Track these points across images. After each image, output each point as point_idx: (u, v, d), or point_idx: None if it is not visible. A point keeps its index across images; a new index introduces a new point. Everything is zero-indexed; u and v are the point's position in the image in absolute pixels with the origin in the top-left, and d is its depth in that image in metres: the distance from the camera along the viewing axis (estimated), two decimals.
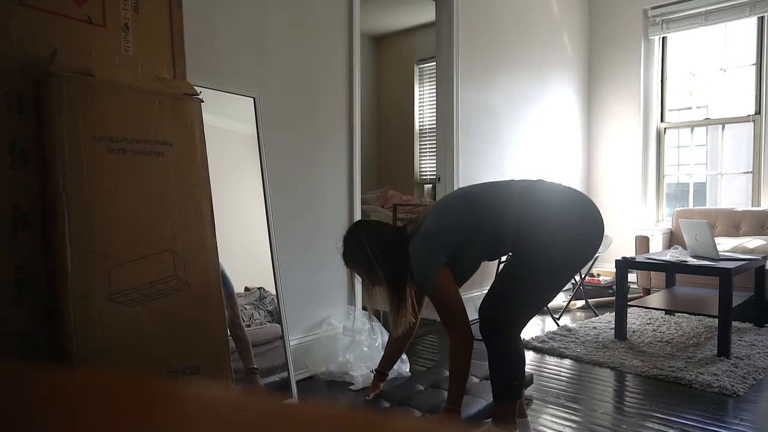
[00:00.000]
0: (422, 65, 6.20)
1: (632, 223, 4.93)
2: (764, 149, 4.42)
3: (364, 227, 2.01)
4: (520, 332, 1.90)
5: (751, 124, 4.51)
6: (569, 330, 3.45)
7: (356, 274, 2.01)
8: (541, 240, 1.82)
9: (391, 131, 6.51)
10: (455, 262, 1.89)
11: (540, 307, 2.06)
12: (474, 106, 3.97)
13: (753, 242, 3.82)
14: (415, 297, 2.05)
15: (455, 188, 3.86)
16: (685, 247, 3.65)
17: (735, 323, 3.44)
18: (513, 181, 1.99)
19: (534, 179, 1.98)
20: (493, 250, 2.02)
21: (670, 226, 4.56)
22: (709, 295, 3.48)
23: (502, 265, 2.06)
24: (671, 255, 3.40)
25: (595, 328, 3.49)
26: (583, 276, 4.08)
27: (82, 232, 1.55)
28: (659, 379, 2.58)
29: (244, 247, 2.41)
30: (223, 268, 2.17)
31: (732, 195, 4.67)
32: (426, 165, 6.15)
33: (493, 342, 1.85)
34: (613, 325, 3.31)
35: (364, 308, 3.26)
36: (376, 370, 2.27)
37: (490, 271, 4.03)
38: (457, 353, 1.84)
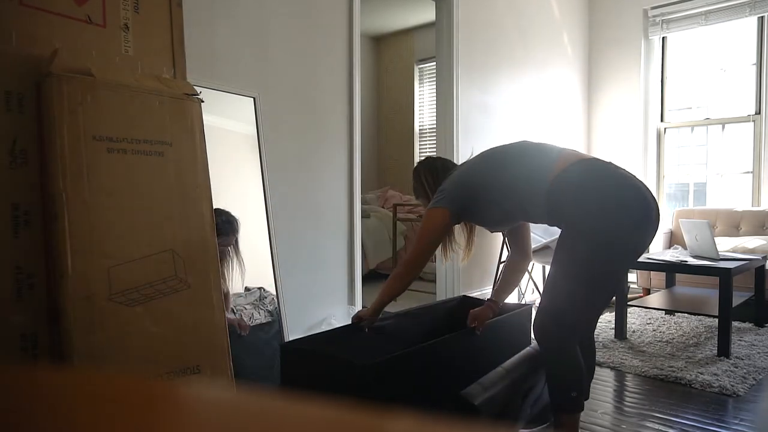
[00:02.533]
0: (422, 65, 6.21)
1: None
2: (764, 149, 4.42)
3: (426, 162, 2.10)
4: (578, 339, 1.76)
5: (751, 124, 4.51)
6: None
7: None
8: (581, 224, 1.66)
9: (391, 131, 6.51)
10: (473, 212, 1.88)
11: (595, 305, 1.76)
12: (474, 106, 3.97)
13: (753, 242, 3.82)
14: (520, 233, 2.10)
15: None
16: (685, 247, 3.65)
17: (735, 323, 3.44)
18: (557, 148, 1.84)
19: (579, 157, 1.77)
20: (523, 218, 1.93)
21: (670, 226, 4.56)
22: (709, 295, 3.48)
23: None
24: (671, 255, 3.40)
25: None
26: None
27: (82, 232, 1.55)
28: (659, 379, 2.58)
29: (244, 247, 2.41)
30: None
31: (732, 195, 4.67)
32: None
33: (544, 346, 1.74)
34: (613, 325, 3.31)
35: (364, 308, 3.26)
36: (489, 299, 2.18)
37: (490, 269, 4.03)
38: (395, 275, 1.87)
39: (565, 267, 1.70)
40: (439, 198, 1.84)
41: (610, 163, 1.75)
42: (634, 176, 1.72)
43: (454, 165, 2.08)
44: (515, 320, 2.30)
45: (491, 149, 1.96)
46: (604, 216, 1.64)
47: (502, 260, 3.90)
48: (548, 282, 1.78)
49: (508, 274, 2.18)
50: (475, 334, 2.02)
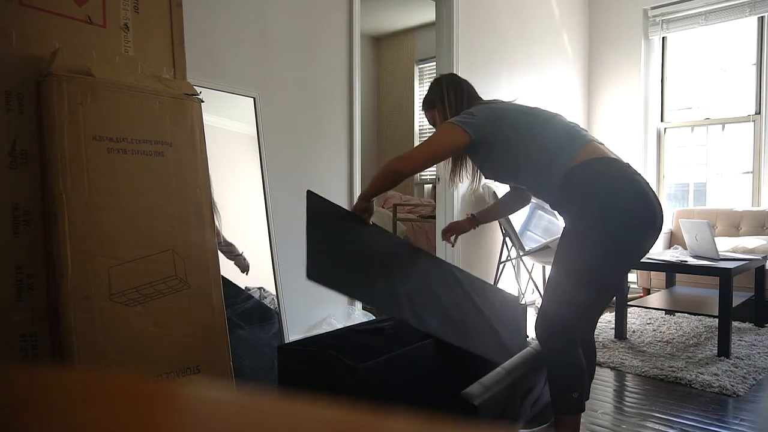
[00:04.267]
0: (422, 65, 6.20)
1: None
2: (764, 149, 4.42)
3: (451, 76, 2.03)
4: (579, 339, 1.74)
5: (751, 124, 4.51)
6: None
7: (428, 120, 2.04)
8: (590, 221, 1.64)
9: (391, 131, 6.51)
10: (487, 151, 1.80)
11: (596, 306, 1.77)
12: None
13: (753, 242, 3.82)
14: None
15: (455, 188, 3.86)
16: (685, 247, 3.65)
17: (735, 323, 3.44)
18: (588, 136, 1.82)
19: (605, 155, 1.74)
20: (531, 186, 1.88)
21: (670, 226, 4.56)
22: (709, 295, 3.48)
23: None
24: (671, 255, 3.40)
25: None
26: None
27: (82, 232, 1.55)
28: (659, 379, 2.58)
29: (244, 247, 2.41)
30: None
31: (732, 195, 4.67)
32: None
33: (545, 347, 1.73)
34: (613, 325, 3.31)
35: (364, 308, 3.26)
36: (471, 214, 2.19)
37: (490, 268, 4.03)
38: (383, 176, 1.79)
39: (567, 268, 1.68)
40: (465, 120, 1.75)
41: (628, 166, 1.74)
42: (646, 181, 1.71)
43: (480, 98, 2.00)
44: (509, 315, 2.28)
45: (533, 108, 1.88)
46: (612, 220, 1.62)
47: (502, 260, 3.90)
48: (550, 283, 1.77)
49: (500, 203, 2.19)
50: (450, 244, 2.12)
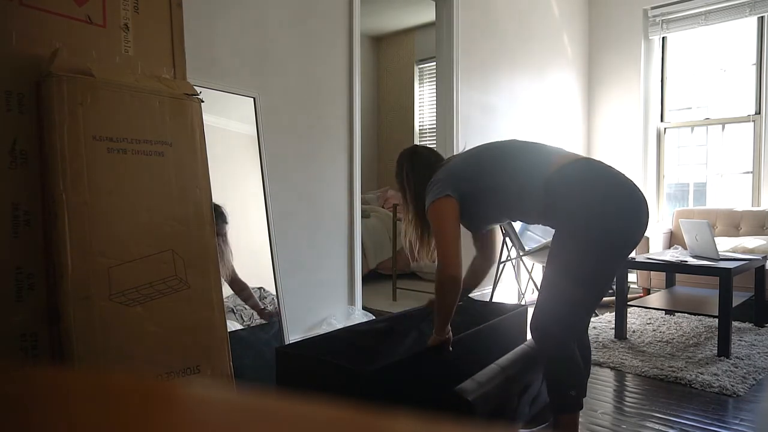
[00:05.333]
0: (422, 65, 6.20)
1: None
2: (764, 149, 4.42)
3: (413, 150, 2.03)
4: (575, 338, 1.75)
5: (751, 124, 4.51)
6: None
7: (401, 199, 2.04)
8: (577, 219, 1.66)
9: (391, 131, 6.51)
10: (468, 203, 1.80)
11: (591, 303, 1.78)
12: (474, 106, 3.97)
13: (753, 242, 3.82)
14: (488, 238, 2.07)
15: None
16: (685, 247, 3.65)
17: (735, 323, 3.44)
18: (552, 147, 1.85)
19: (573, 158, 1.78)
20: (516, 212, 1.88)
21: (670, 226, 4.56)
22: (709, 295, 3.48)
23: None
24: (671, 255, 3.40)
25: (595, 328, 3.49)
26: None
27: (82, 232, 1.55)
28: (659, 379, 2.58)
29: (244, 247, 2.41)
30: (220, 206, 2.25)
31: (732, 195, 4.67)
32: None
33: (542, 346, 1.74)
34: (613, 325, 3.31)
35: (363, 308, 3.27)
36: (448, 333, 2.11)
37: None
38: (441, 292, 1.74)
39: (560, 266, 1.70)
40: (438, 189, 1.77)
41: (602, 162, 1.78)
42: (624, 174, 1.75)
43: (441, 157, 2.03)
44: (513, 320, 2.30)
45: (483, 146, 1.93)
46: (598, 214, 1.65)
47: (502, 260, 3.90)
48: (543, 282, 1.78)
49: (469, 276, 2.15)
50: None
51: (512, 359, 1.93)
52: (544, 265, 4.05)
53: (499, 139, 1.98)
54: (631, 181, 1.74)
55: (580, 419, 1.99)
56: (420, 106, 6.22)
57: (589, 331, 3.34)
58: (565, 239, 1.70)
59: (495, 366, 1.85)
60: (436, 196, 1.77)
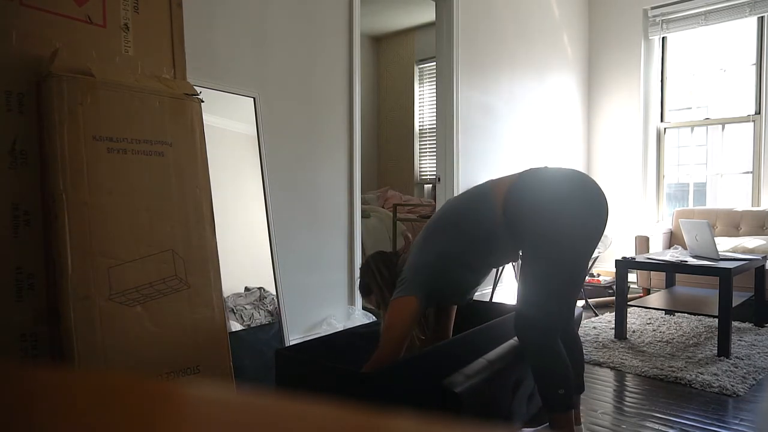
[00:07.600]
0: (422, 65, 6.20)
1: (632, 223, 4.93)
2: (764, 149, 4.42)
3: (377, 255, 2.00)
4: (557, 333, 1.78)
5: (751, 124, 4.51)
6: None
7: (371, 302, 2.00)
8: (538, 227, 1.71)
9: (391, 131, 6.51)
10: (442, 285, 1.81)
11: (570, 300, 1.84)
12: (474, 106, 3.97)
13: (753, 242, 3.82)
14: (435, 314, 2.05)
15: (455, 188, 3.87)
16: (685, 247, 3.65)
17: (735, 323, 3.44)
18: (488, 182, 1.88)
19: (507, 177, 1.83)
20: (494, 259, 1.92)
21: (670, 226, 4.56)
22: (709, 295, 3.48)
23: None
24: (671, 255, 3.40)
25: (595, 328, 3.49)
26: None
27: (82, 232, 1.55)
28: (659, 379, 2.58)
29: (244, 247, 2.41)
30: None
31: (732, 195, 4.67)
32: (426, 165, 6.15)
33: (527, 348, 1.76)
34: (613, 325, 3.31)
35: (364, 308, 3.26)
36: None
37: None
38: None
39: (533, 267, 1.75)
40: (402, 287, 1.75)
41: (545, 166, 1.83)
42: (570, 168, 1.81)
43: (396, 257, 2.00)
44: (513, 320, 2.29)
45: (425, 227, 1.90)
46: (558, 212, 1.70)
47: None
48: (519, 285, 1.82)
49: (441, 326, 2.10)
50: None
51: (500, 353, 1.93)
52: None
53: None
54: (579, 172, 1.80)
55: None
56: (420, 106, 6.22)
57: (589, 331, 3.36)
58: (534, 244, 1.74)
59: (482, 360, 1.85)
60: (400, 294, 1.75)
